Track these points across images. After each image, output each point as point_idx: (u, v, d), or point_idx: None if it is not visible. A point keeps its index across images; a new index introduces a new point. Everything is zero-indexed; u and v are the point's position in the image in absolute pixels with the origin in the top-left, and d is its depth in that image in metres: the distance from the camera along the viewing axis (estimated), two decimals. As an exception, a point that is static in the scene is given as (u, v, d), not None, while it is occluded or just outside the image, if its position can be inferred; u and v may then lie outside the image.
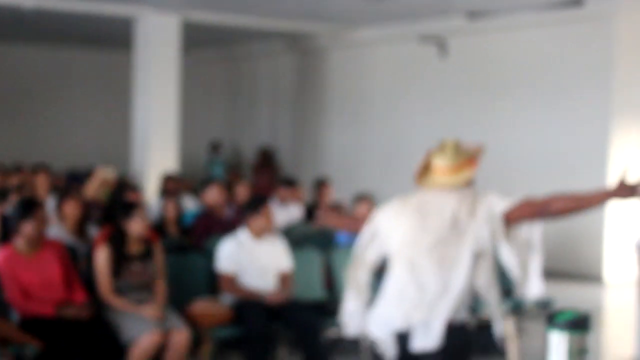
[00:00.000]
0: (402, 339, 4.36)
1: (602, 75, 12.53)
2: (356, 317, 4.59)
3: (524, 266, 4.35)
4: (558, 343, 2.63)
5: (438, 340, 4.23)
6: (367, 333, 4.53)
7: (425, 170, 4.48)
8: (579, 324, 2.78)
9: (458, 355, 4.36)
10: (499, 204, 4.33)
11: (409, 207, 4.46)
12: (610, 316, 10.26)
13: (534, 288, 4.36)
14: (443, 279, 4.27)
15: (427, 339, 4.25)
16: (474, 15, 13.85)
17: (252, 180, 15.73)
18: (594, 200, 4.23)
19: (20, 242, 6.19)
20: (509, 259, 4.33)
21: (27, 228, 6.15)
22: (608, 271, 12.18)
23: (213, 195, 9.17)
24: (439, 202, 4.38)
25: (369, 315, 4.52)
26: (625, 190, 4.18)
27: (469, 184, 4.45)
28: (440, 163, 4.41)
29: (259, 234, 7.06)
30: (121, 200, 8.43)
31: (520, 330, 8.27)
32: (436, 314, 4.25)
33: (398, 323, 4.34)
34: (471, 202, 4.34)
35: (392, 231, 4.48)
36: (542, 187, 12.93)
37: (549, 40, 13.37)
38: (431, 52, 14.87)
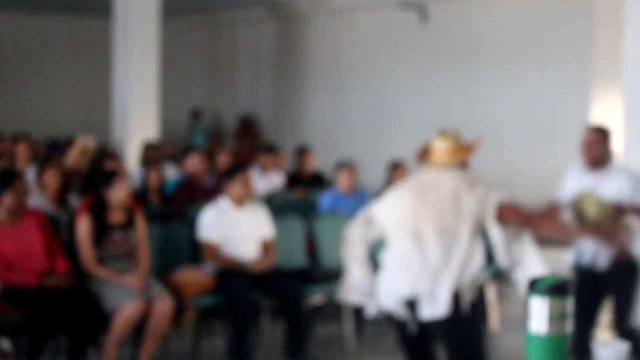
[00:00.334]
0: (411, 306, 4.59)
1: (583, 43, 12.52)
2: (364, 285, 4.84)
3: (509, 254, 4.63)
4: (539, 308, 2.65)
5: (445, 308, 4.46)
6: (374, 301, 4.79)
7: (425, 152, 4.79)
8: (560, 290, 2.80)
9: (463, 323, 4.55)
10: (496, 194, 4.59)
11: (406, 189, 4.77)
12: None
13: (525, 271, 4.62)
14: (445, 250, 4.51)
15: (435, 307, 4.49)
16: (454, -19, 13.82)
17: (233, 148, 15.71)
18: (578, 236, 4.93)
19: (0, 213, 6.16)
20: (498, 242, 4.59)
21: (7, 199, 6.11)
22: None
23: (194, 163, 9.15)
24: (437, 180, 4.68)
25: (376, 288, 4.76)
26: (608, 237, 4.88)
27: (463, 165, 4.76)
28: (440, 146, 4.73)
29: (238, 201, 7.04)
30: (102, 168, 8.40)
31: (501, 296, 8.33)
32: (440, 283, 4.47)
33: (404, 291, 4.57)
34: (471, 182, 4.63)
35: (389, 212, 4.74)
36: (522, 155, 13.06)
37: (531, 8, 13.35)
38: (412, 18, 14.82)
